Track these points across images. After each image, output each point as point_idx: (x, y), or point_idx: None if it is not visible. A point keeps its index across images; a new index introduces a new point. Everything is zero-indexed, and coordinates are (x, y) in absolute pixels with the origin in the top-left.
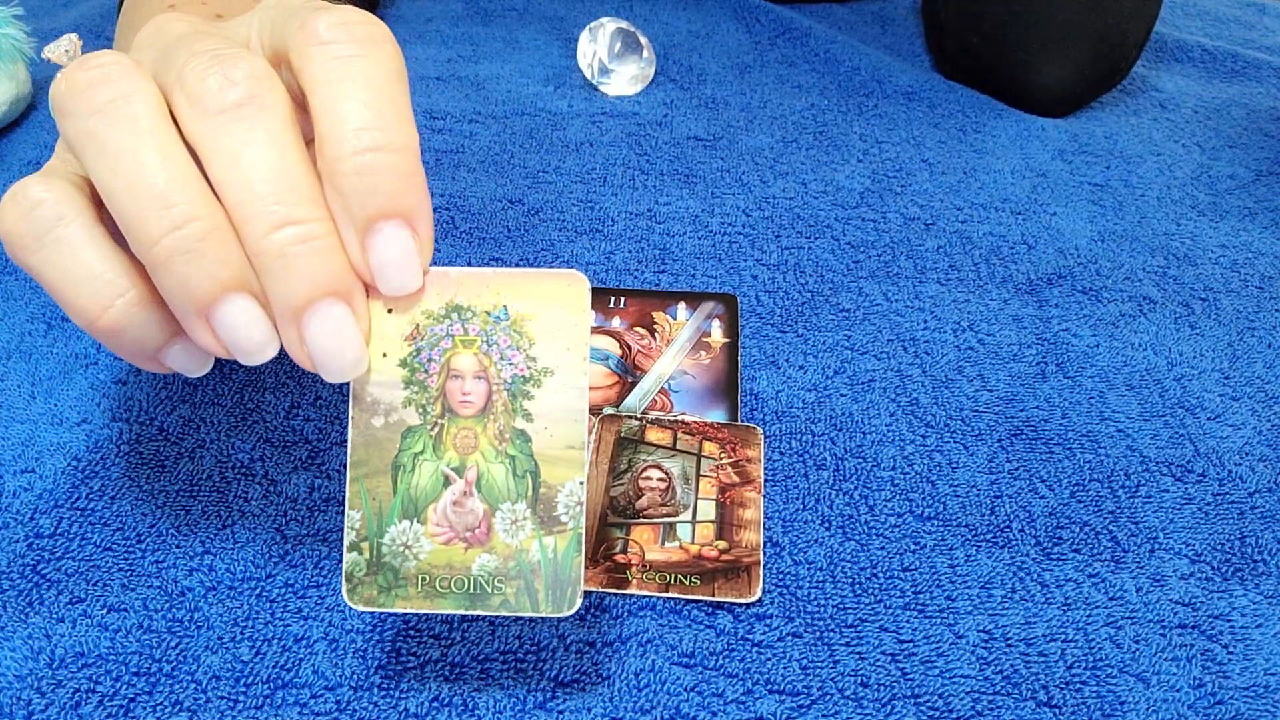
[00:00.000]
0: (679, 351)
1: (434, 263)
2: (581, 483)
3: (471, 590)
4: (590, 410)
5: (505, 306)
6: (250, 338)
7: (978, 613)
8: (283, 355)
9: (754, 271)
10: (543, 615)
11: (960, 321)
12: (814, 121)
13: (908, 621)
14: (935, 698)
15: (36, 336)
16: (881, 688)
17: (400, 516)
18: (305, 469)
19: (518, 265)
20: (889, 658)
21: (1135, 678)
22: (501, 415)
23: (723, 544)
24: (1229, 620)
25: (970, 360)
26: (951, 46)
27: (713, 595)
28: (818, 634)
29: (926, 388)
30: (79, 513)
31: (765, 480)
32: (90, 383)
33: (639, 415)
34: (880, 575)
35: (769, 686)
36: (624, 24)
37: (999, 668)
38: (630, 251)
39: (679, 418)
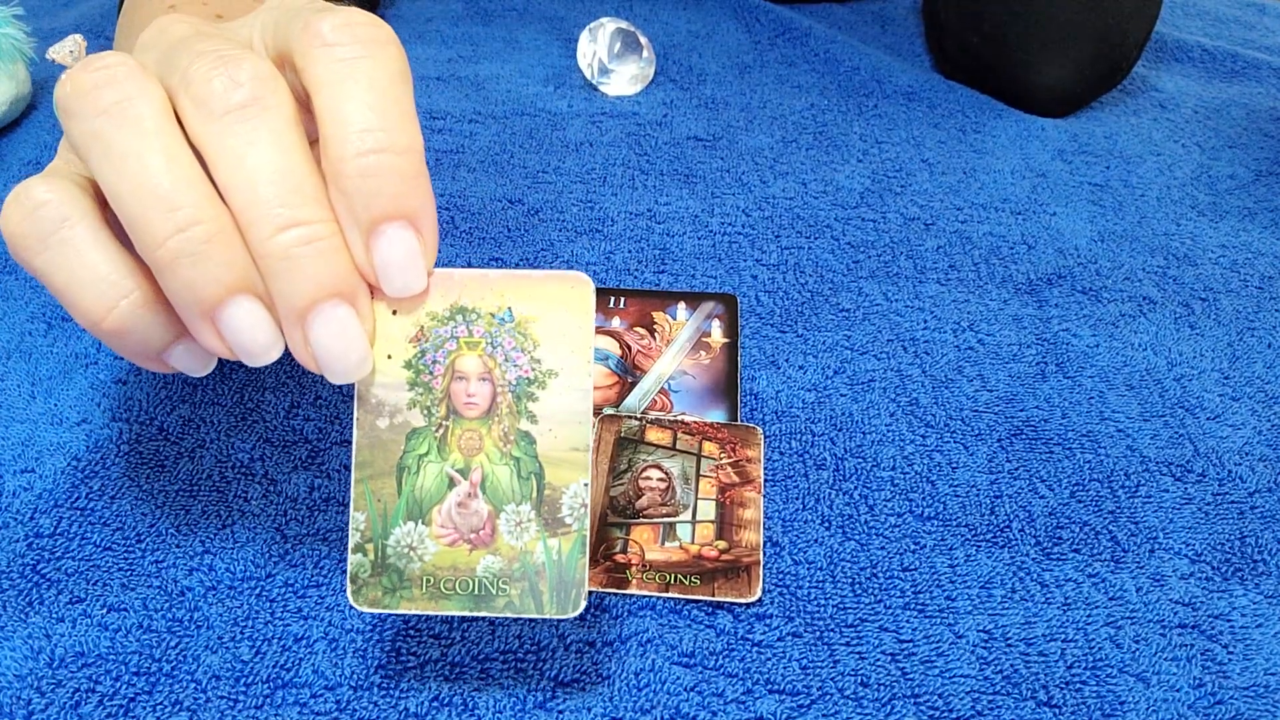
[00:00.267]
0: (679, 351)
1: (434, 263)
2: (586, 484)
3: (476, 592)
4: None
5: (510, 308)
6: (255, 339)
7: (978, 613)
8: (284, 355)
9: (754, 271)
10: (547, 617)
11: (960, 321)
12: (814, 121)
13: (908, 621)
14: (935, 697)
15: (36, 336)
16: (881, 687)
17: (405, 518)
18: (305, 469)
19: (518, 265)
20: (889, 657)
21: (1135, 678)
22: (506, 417)
23: (723, 544)
24: (1229, 620)
25: (970, 360)
26: (951, 46)
27: (713, 595)
28: (818, 634)
29: (926, 388)
30: (79, 512)
31: (765, 480)
32: (90, 382)
33: (639, 415)
34: (880, 575)
35: (769, 686)
36: (624, 24)
37: (999, 667)
38: (630, 251)
39: (679, 418)
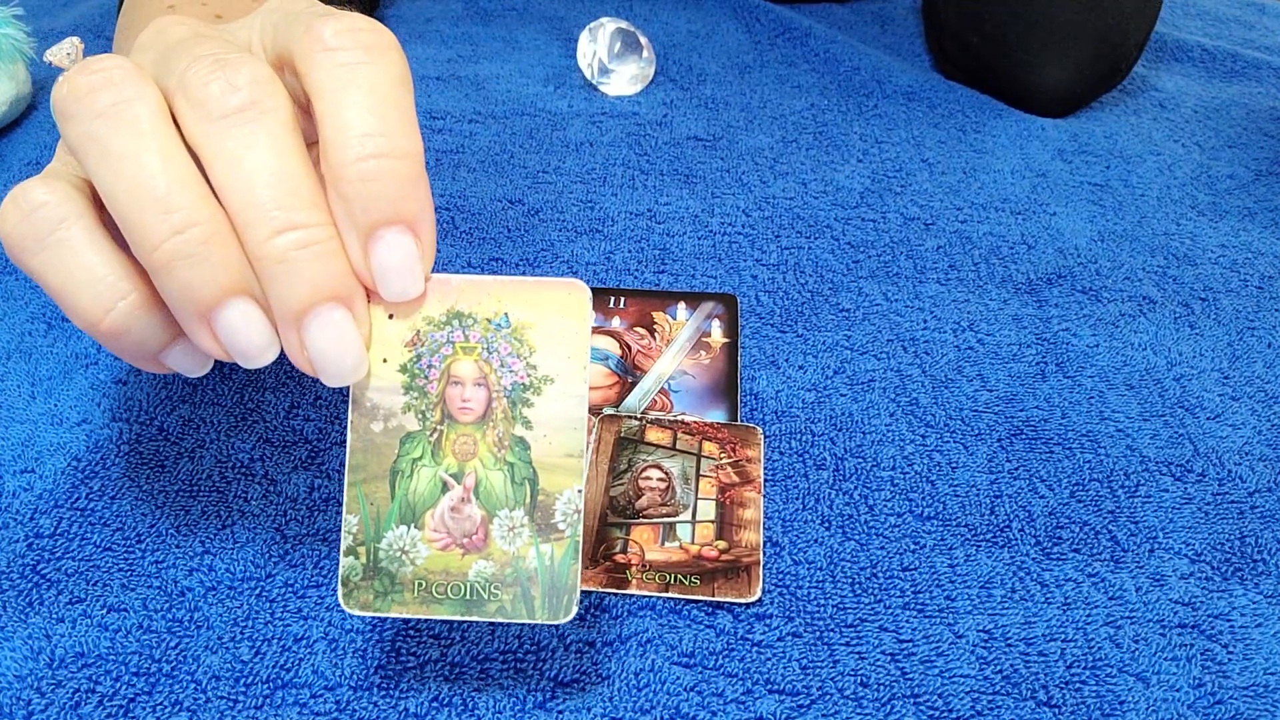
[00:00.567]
0: (679, 351)
1: (434, 263)
2: (580, 491)
3: (468, 596)
4: (590, 410)
5: (506, 314)
6: (251, 342)
7: (977, 612)
8: (283, 355)
9: (754, 271)
10: (538, 623)
11: (960, 321)
12: (814, 121)
13: (908, 621)
14: (935, 697)
15: (36, 336)
16: (881, 687)
17: (398, 522)
18: (305, 469)
19: (518, 265)
20: (889, 657)
21: (1135, 677)
22: (501, 422)
23: (722, 544)
24: (1229, 620)
25: (970, 360)
26: (951, 46)
27: (713, 595)
28: (818, 634)
29: (926, 388)
30: (79, 513)
31: (765, 480)
32: (90, 383)
33: (639, 415)
34: (880, 575)
35: (769, 686)
36: (624, 24)
37: (999, 667)
38: (630, 251)
39: (679, 418)
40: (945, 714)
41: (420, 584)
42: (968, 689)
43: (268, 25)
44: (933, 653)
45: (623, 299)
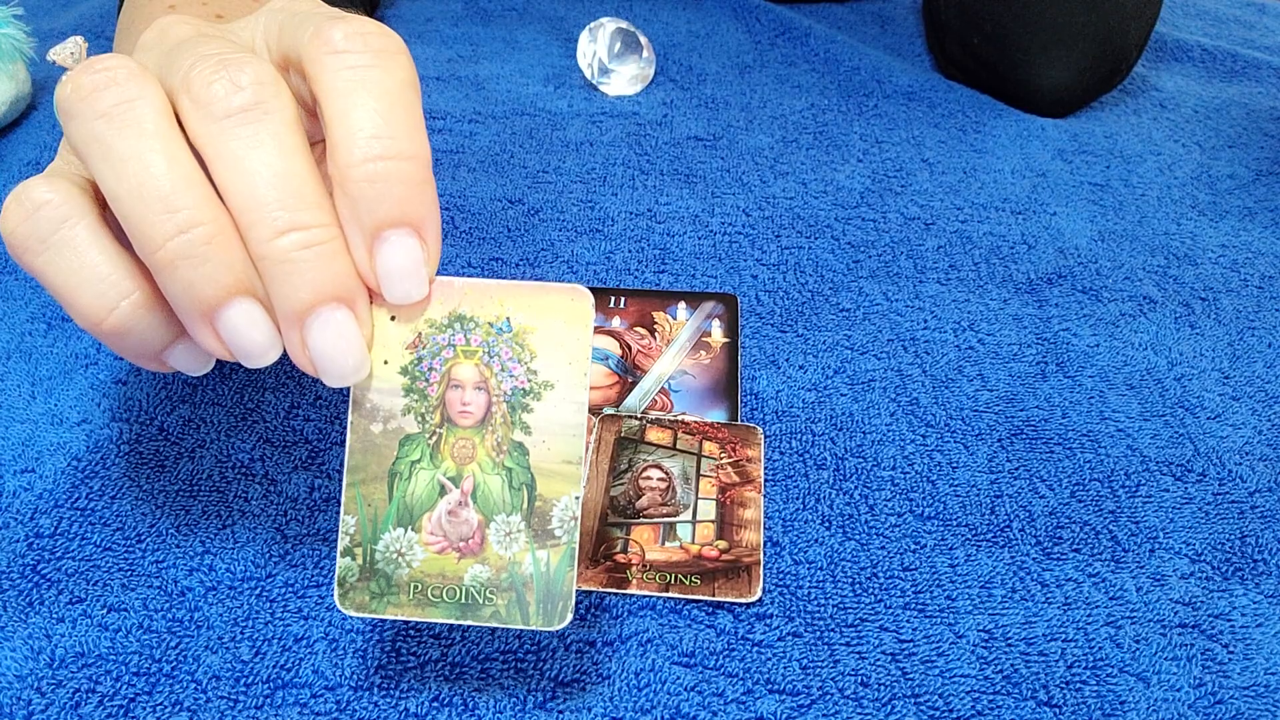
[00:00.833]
0: (679, 351)
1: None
2: (577, 498)
3: (463, 600)
4: (590, 410)
5: (508, 319)
6: (254, 341)
7: (978, 612)
8: (284, 356)
9: (754, 271)
10: (533, 629)
11: (960, 321)
12: (814, 121)
13: (908, 621)
14: (935, 697)
15: (37, 336)
16: (881, 687)
17: (395, 524)
18: (305, 469)
19: (518, 265)
20: (889, 657)
21: (1135, 677)
22: (500, 427)
23: (723, 544)
24: (1229, 620)
25: (970, 360)
26: (952, 46)
27: (713, 595)
28: (818, 634)
29: (926, 387)
30: (79, 513)
31: (765, 480)
32: (90, 383)
33: (639, 415)
34: (880, 575)
35: (769, 686)
36: (624, 24)
37: (999, 667)
38: (630, 251)
39: (679, 418)
40: (945, 714)
41: (416, 586)
42: (968, 689)
43: (272, 25)
44: (933, 653)
45: (623, 299)
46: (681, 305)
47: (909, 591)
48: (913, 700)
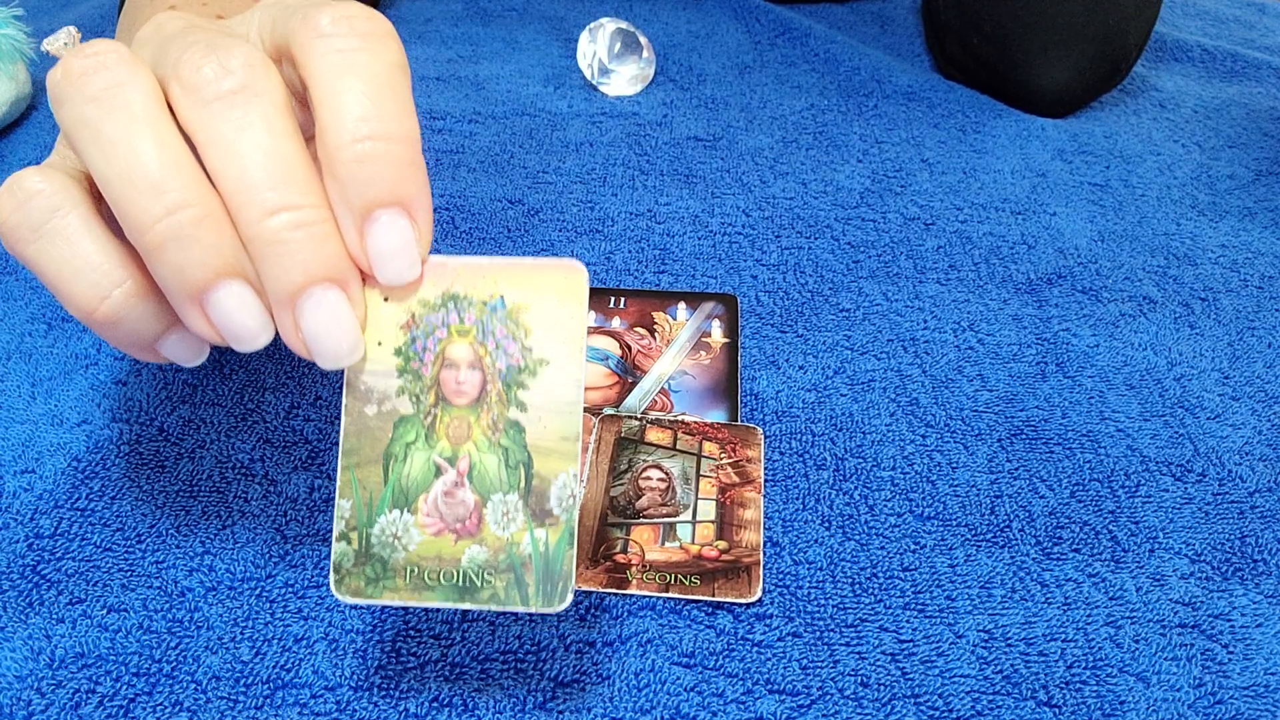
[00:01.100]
0: (679, 351)
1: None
2: (575, 474)
3: (460, 583)
4: (590, 410)
5: (502, 296)
6: (244, 324)
7: (978, 613)
8: (283, 355)
9: (754, 271)
10: (533, 610)
11: (960, 321)
12: (814, 121)
13: (908, 621)
14: (935, 698)
15: (37, 337)
16: (881, 688)
17: (391, 506)
18: (305, 469)
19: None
20: (889, 658)
21: (1135, 677)
22: (495, 405)
23: (723, 544)
24: (1229, 620)
25: (970, 360)
26: (952, 46)
27: (713, 595)
28: (818, 634)
29: (926, 388)
30: (79, 513)
31: (765, 480)
32: (90, 383)
33: (639, 415)
34: (880, 575)
35: (769, 686)
36: (624, 24)
37: (999, 667)
38: (630, 251)
39: (679, 418)
40: (945, 714)
41: (412, 570)
42: (968, 689)
43: (265, 19)
44: (933, 653)
45: (623, 299)
46: (681, 305)
47: (909, 592)
48: (912, 700)
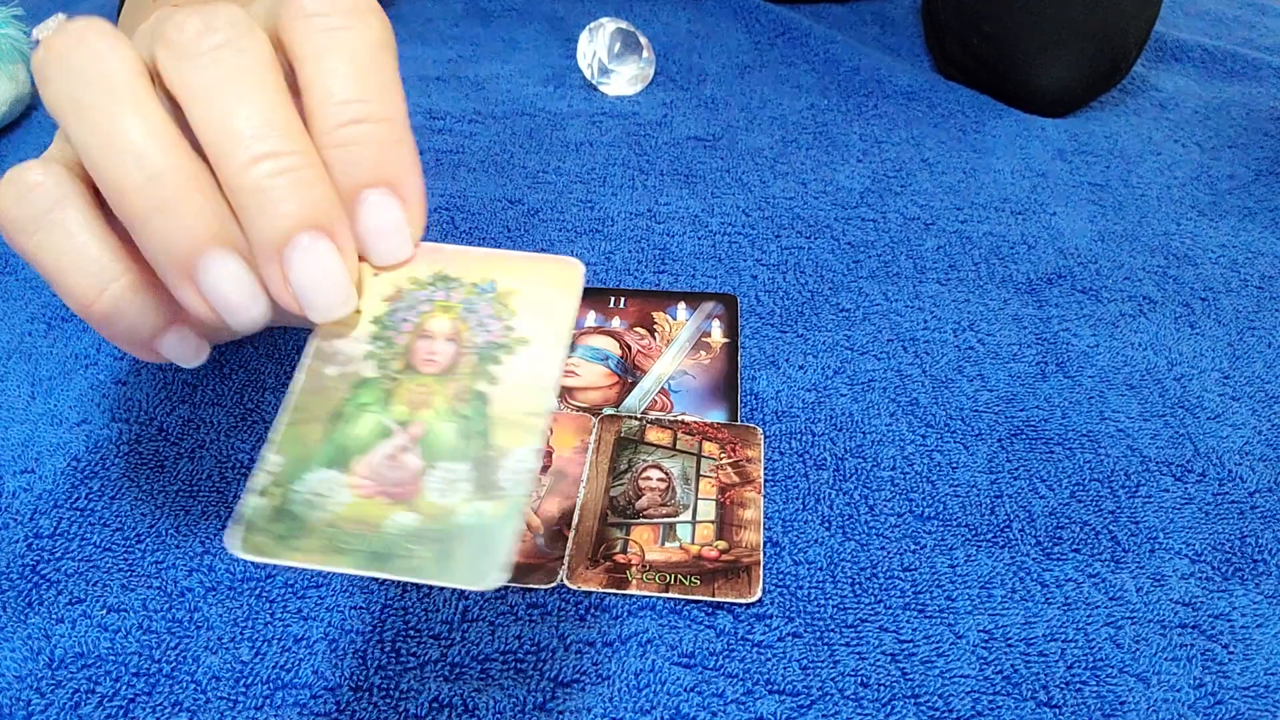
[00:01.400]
0: (679, 351)
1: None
2: (536, 450)
3: (378, 550)
4: (590, 410)
5: (494, 281)
6: (236, 294)
7: (978, 613)
8: (282, 354)
9: (754, 271)
10: (455, 586)
11: (960, 321)
12: (814, 121)
13: (908, 621)
14: (935, 698)
15: (36, 337)
16: (881, 688)
17: (325, 465)
18: None
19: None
20: (889, 658)
21: (1135, 678)
22: (465, 377)
23: (723, 544)
24: (1229, 620)
25: (970, 360)
26: (952, 46)
27: (713, 595)
28: (818, 634)
29: (926, 388)
30: (79, 513)
31: (765, 480)
32: (90, 383)
33: (639, 415)
34: (880, 575)
35: (769, 686)
36: (624, 24)
37: (999, 668)
38: (630, 251)
39: (679, 418)
40: (945, 714)
41: (328, 532)
42: (968, 689)
43: (260, 10)
44: (933, 653)
45: (623, 299)
46: (681, 305)
47: (909, 592)
48: (912, 700)
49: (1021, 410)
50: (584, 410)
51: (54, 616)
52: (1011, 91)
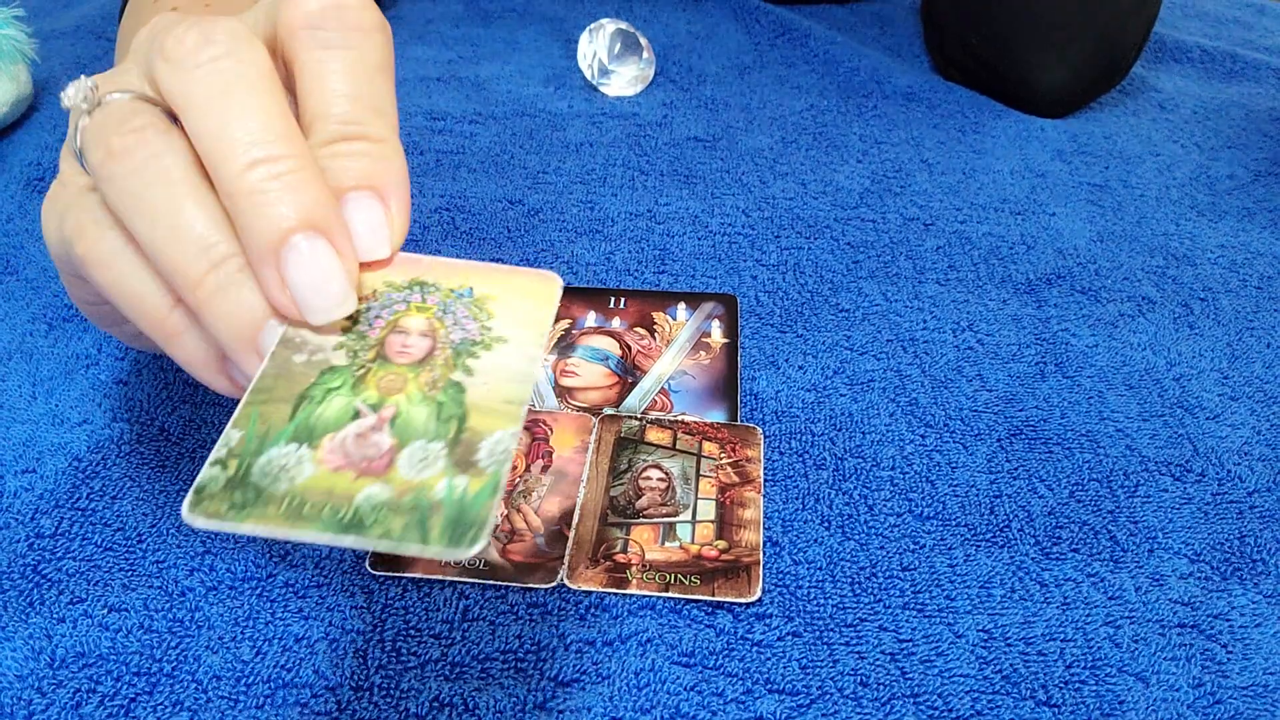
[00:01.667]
0: (679, 352)
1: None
2: (514, 434)
3: (346, 519)
4: (590, 410)
5: (470, 287)
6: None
7: (977, 612)
8: None
9: (754, 271)
10: (431, 552)
11: (960, 321)
12: (814, 122)
13: (907, 621)
14: (935, 697)
15: (38, 337)
16: (881, 687)
17: (289, 440)
18: None
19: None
20: (888, 657)
21: (1135, 677)
22: (440, 368)
23: (722, 544)
24: (1228, 620)
25: (970, 360)
26: (950, 47)
27: (713, 595)
28: (817, 634)
29: (926, 388)
30: (80, 513)
31: (765, 480)
32: (91, 383)
33: (639, 415)
34: (880, 575)
35: (769, 686)
36: (624, 25)
37: (998, 667)
38: (630, 252)
39: (679, 418)
40: (945, 714)
41: (291, 501)
42: (967, 689)
43: (260, 18)
44: (932, 652)
45: (623, 299)
46: (681, 306)
47: (908, 591)
48: (912, 700)
49: (1021, 410)
50: (584, 410)
51: (55, 616)
52: (1011, 92)
